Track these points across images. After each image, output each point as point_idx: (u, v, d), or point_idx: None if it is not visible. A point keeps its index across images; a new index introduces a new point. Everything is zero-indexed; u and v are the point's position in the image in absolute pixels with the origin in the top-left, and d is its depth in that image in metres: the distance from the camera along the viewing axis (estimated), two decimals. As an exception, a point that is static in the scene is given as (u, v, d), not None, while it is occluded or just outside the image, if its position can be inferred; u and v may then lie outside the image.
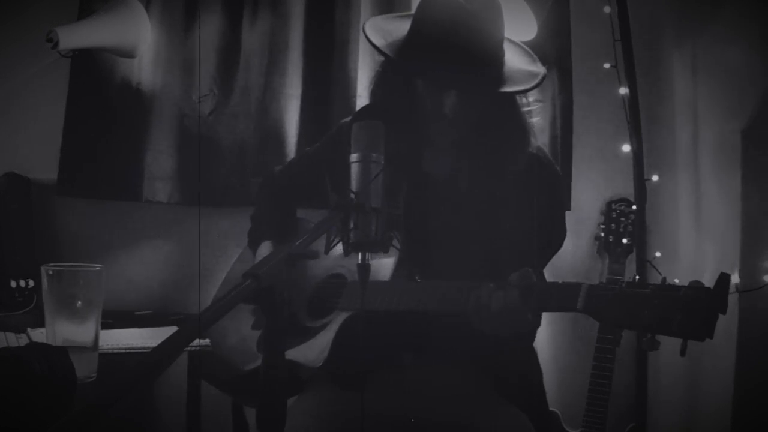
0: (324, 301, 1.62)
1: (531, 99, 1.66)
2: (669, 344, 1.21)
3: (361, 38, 2.42)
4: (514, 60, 1.66)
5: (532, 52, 1.72)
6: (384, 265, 1.52)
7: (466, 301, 1.38)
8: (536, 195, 1.62)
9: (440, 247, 1.62)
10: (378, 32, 1.65)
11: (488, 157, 1.64)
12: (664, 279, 1.22)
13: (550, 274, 1.67)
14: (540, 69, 1.65)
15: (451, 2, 1.54)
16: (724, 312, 1.15)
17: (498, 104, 1.62)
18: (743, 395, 2.29)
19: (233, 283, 1.76)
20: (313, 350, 1.52)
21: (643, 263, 2.34)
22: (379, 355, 1.51)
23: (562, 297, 1.31)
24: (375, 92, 1.71)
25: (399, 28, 1.66)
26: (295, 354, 1.53)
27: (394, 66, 1.63)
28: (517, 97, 1.63)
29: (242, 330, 1.66)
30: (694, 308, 1.15)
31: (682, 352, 1.16)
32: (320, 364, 1.48)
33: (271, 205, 1.90)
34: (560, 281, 1.37)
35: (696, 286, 1.17)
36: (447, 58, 1.53)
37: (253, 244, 1.81)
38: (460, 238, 1.62)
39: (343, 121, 1.85)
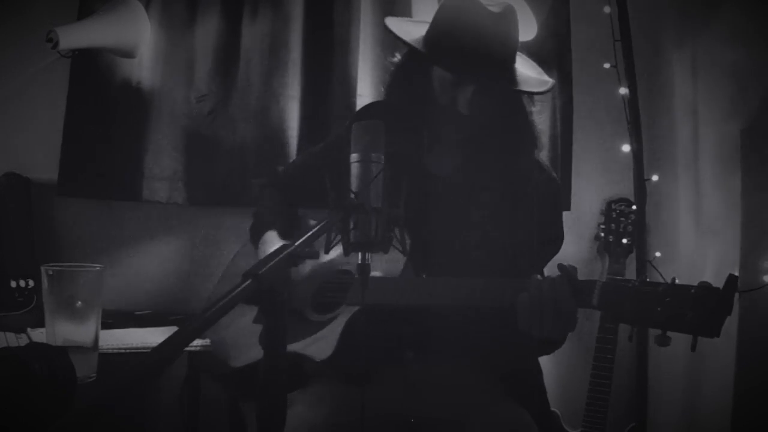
0: (330, 296, 1.63)
1: (537, 107, 1.69)
2: (671, 345, 1.23)
3: (361, 38, 2.43)
4: (524, 67, 1.71)
5: (535, 64, 1.77)
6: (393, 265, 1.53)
7: (486, 297, 1.41)
8: (536, 198, 1.66)
9: (443, 247, 1.63)
10: (400, 30, 1.68)
11: (493, 159, 1.67)
12: (674, 279, 1.26)
13: (550, 273, 1.68)
14: (548, 79, 1.71)
15: (476, 5, 1.58)
16: (729, 313, 1.19)
17: (509, 105, 1.65)
18: (743, 395, 2.29)
19: (232, 278, 1.78)
20: (319, 344, 1.53)
21: (643, 263, 2.34)
22: (386, 350, 1.52)
23: (577, 293, 1.35)
24: (392, 90, 1.74)
25: (416, 29, 1.70)
26: (300, 347, 1.54)
27: (424, 58, 1.64)
28: (527, 102, 1.67)
29: (241, 324, 1.66)
30: (705, 306, 1.20)
31: (693, 348, 1.20)
32: (326, 357, 1.49)
33: (274, 201, 1.90)
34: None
35: (706, 286, 1.22)
36: (470, 59, 1.57)
37: (255, 239, 1.81)
38: (463, 239, 1.64)
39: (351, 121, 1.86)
